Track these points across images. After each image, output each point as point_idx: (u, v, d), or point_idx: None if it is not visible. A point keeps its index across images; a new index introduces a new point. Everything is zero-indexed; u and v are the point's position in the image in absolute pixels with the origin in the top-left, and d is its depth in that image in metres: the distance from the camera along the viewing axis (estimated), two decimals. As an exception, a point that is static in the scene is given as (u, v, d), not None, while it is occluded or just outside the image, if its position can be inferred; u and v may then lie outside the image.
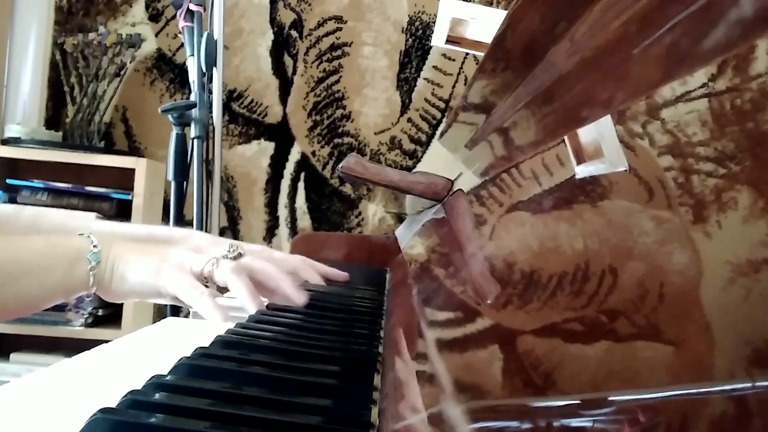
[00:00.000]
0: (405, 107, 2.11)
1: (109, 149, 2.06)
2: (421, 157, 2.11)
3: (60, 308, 1.81)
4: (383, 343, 0.54)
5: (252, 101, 2.11)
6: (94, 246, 0.61)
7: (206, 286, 0.64)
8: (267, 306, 0.64)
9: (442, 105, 2.11)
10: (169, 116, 1.57)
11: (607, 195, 0.33)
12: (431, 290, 0.63)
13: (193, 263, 0.65)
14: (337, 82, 2.12)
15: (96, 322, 1.87)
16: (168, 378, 0.36)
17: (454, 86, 2.11)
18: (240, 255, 0.69)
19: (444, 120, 2.10)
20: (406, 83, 2.11)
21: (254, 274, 0.67)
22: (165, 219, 1.98)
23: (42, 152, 1.87)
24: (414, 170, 1.45)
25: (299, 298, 0.65)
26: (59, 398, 0.37)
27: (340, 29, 2.12)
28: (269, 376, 0.39)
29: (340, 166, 1.04)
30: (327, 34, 2.12)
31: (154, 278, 0.63)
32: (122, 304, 1.84)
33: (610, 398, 0.23)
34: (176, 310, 1.59)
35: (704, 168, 0.24)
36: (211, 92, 1.68)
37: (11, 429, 0.31)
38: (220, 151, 1.75)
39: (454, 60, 2.11)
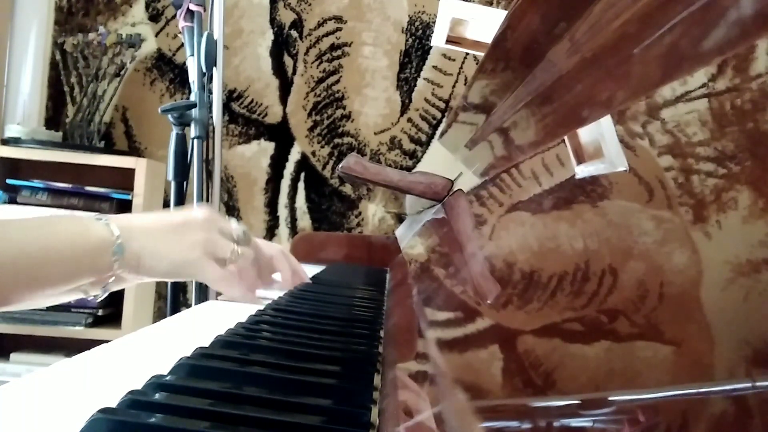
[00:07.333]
0: (405, 107, 2.11)
1: (109, 149, 2.06)
2: (421, 157, 2.11)
3: (60, 308, 1.81)
4: (383, 343, 0.54)
5: (252, 101, 2.11)
6: (117, 237, 0.61)
7: None
8: (267, 306, 0.65)
9: (442, 105, 2.11)
10: (169, 116, 1.57)
11: (607, 195, 0.33)
12: (431, 290, 0.63)
13: (217, 250, 0.70)
14: (337, 82, 2.12)
15: (96, 322, 1.87)
16: (168, 378, 0.36)
17: (454, 86, 2.11)
18: (248, 240, 0.77)
19: (444, 120, 2.10)
20: (406, 83, 2.11)
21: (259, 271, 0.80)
22: (165, 219, 1.98)
23: (42, 152, 1.87)
24: (414, 170, 1.44)
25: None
26: (59, 398, 0.37)
27: (340, 29, 2.12)
28: (269, 376, 0.39)
29: (340, 166, 1.04)
30: (327, 34, 2.12)
31: (183, 268, 0.67)
32: (122, 304, 1.85)
33: (610, 398, 0.23)
34: (176, 311, 1.59)
35: (704, 168, 0.24)
36: (211, 92, 1.68)
37: (11, 429, 0.31)
38: (220, 151, 1.75)
39: (454, 60, 2.11)
